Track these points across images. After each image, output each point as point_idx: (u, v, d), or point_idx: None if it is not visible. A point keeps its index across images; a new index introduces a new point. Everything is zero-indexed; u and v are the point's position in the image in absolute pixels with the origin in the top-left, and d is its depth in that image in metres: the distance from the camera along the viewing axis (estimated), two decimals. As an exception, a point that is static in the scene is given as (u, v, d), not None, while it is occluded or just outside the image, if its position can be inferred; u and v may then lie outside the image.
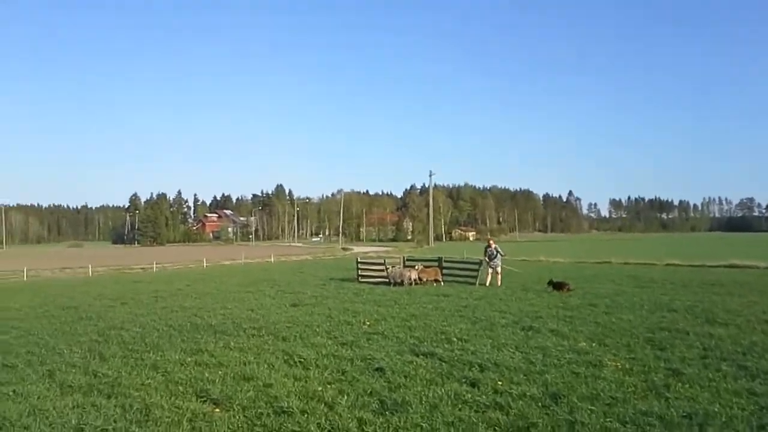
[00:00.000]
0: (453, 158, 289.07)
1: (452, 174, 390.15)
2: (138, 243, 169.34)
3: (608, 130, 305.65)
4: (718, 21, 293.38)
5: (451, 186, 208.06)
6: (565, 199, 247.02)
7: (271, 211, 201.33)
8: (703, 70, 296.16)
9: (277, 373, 8.38)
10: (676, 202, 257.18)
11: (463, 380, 7.77)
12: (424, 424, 6.07)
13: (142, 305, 17.82)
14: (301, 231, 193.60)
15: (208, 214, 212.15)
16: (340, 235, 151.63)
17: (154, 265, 46.76)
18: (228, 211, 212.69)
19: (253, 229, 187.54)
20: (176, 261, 57.80)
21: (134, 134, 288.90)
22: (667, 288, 19.93)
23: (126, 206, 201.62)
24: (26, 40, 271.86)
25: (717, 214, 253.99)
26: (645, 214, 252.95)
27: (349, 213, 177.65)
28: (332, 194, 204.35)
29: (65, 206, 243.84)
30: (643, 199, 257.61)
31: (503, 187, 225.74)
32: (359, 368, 8.57)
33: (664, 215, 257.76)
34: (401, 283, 22.15)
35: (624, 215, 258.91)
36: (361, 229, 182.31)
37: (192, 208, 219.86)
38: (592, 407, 6.52)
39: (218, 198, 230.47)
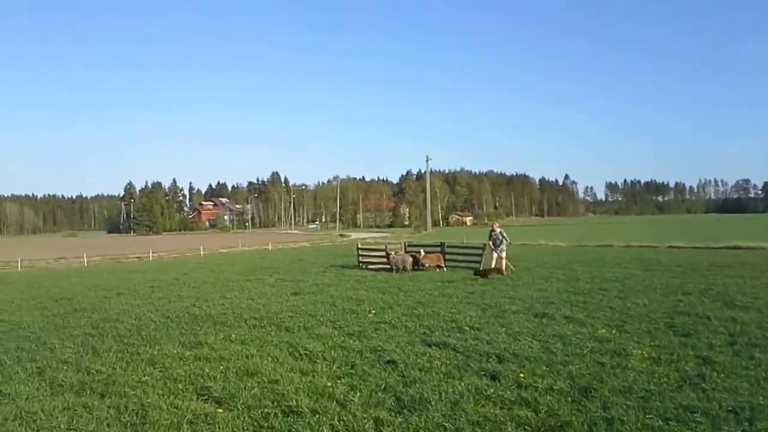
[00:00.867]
0: (449, 143, 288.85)
1: (448, 159, 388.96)
2: (134, 232, 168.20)
3: (604, 113, 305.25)
4: (713, 3, 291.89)
5: (447, 171, 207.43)
6: (561, 183, 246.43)
7: (267, 198, 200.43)
8: (698, 52, 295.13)
9: (282, 367, 7.86)
10: (672, 185, 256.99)
11: (482, 373, 7.27)
12: (447, 424, 5.55)
13: (138, 295, 17.27)
14: (297, 218, 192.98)
15: (204, 203, 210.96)
16: (338, 221, 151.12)
17: (150, 254, 46.13)
18: (224, 199, 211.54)
19: (250, 216, 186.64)
20: (173, 250, 57.20)
21: (128, 123, 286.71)
22: (675, 271, 19.46)
23: (121, 195, 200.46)
24: (17, 29, 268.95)
25: (713, 196, 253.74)
26: (641, 197, 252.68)
27: (346, 199, 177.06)
28: (328, 181, 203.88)
29: (60, 196, 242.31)
30: (639, 181, 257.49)
31: (499, 172, 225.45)
32: (369, 361, 8.06)
33: (660, 197, 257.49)
34: (404, 269, 21.69)
35: (620, 198, 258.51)
36: (357, 216, 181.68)
37: (187, 197, 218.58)
38: (627, 402, 6.02)
39: (213, 186, 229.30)
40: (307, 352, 8.63)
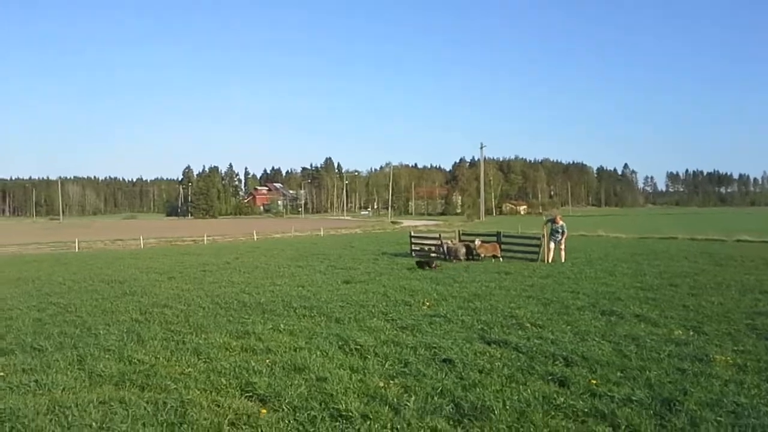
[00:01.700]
0: (503, 131, 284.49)
1: (503, 147, 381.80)
2: (191, 215, 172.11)
3: (666, 102, 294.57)
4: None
5: (501, 159, 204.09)
6: (620, 173, 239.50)
7: (320, 184, 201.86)
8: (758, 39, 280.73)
9: (331, 362, 7.38)
10: (735, 176, 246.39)
11: (549, 378, 6.61)
12: (513, 438, 4.95)
13: (190, 280, 17.18)
14: (349, 204, 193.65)
15: (259, 187, 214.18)
16: (389, 208, 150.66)
17: (205, 238, 46.77)
18: (278, 185, 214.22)
19: (303, 202, 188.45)
20: (227, 233, 57.96)
21: (187, 108, 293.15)
22: (748, 266, 18.17)
23: (179, 179, 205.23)
24: (84, 14, 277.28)
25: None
26: (703, 188, 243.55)
27: (398, 186, 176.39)
28: (380, 167, 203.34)
29: (121, 179, 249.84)
30: (701, 172, 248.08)
31: (555, 160, 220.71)
32: (424, 359, 7.50)
33: (722, 189, 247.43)
34: (457, 258, 21.07)
35: (681, 189, 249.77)
36: (409, 203, 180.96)
37: (243, 182, 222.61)
38: (717, 417, 5.28)
39: (268, 171, 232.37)
40: (358, 347, 8.13)
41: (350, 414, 5.48)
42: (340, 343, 8.42)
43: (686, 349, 7.73)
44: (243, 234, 55.62)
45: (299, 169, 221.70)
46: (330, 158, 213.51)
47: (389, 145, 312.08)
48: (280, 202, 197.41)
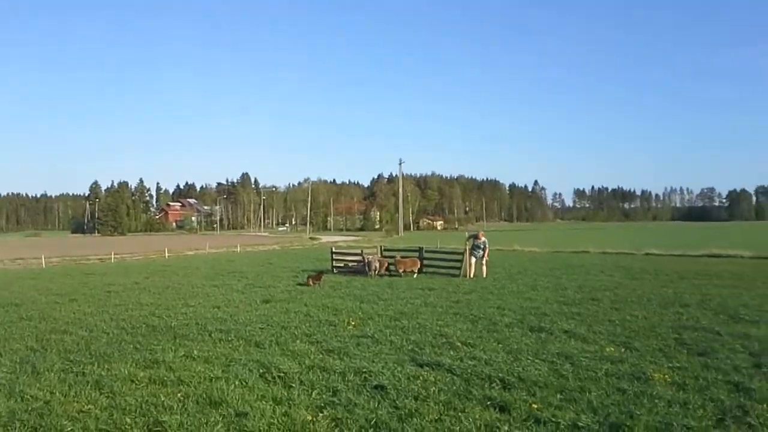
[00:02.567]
0: (420, 148, 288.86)
1: (420, 163, 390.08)
2: (98, 232, 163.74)
3: (574, 121, 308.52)
4: (681, 9, 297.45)
5: (418, 175, 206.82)
6: (530, 189, 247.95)
7: (236, 200, 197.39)
8: (668, 59, 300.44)
9: (251, 393, 6.69)
10: (638, 192, 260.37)
11: (488, 402, 6.21)
12: (459, 478, 4.48)
13: (93, 302, 15.87)
14: (267, 220, 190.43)
15: (171, 203, 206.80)
16: (308, 224, 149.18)
17: (112, 256, 44.23)
18: (192, 200, 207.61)
19: (218, 218, 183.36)
20: (136, 251, 55.18)
21: (94, 121, 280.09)
22: (663, 279, 18.73)
23: (86, 195, 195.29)
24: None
25: (678, 204, 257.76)
26: (608, 204, 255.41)
27: (316, 202, 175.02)
28: (299, 183, 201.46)
29: (24, 195, 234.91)
30: (606, 188, 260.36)
31: (470, 177, 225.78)
32: (354, 386, 6.94)
33: (626, 205, 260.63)
34: (379, 274, 20.71)
35: (587, 205, 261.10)
36: (328, 219, 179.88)
37: (154, 197, 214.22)
38: (669, 443, 5.02)
39: (181, 186, 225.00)
40: (281, 374, 7.47)
41: (275, 456, 4.85)
42: (261, 370, 7.73)
43: (622, 367, 7.55)
44: (154, 252, 53.10)
45: (214, 185, 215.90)
46: (246, 173, 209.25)
47: (307, 161, 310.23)
48: (194, 218, 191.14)
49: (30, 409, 6.33)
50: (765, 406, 5.95)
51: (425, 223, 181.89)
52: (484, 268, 20.61)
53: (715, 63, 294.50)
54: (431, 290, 16.58)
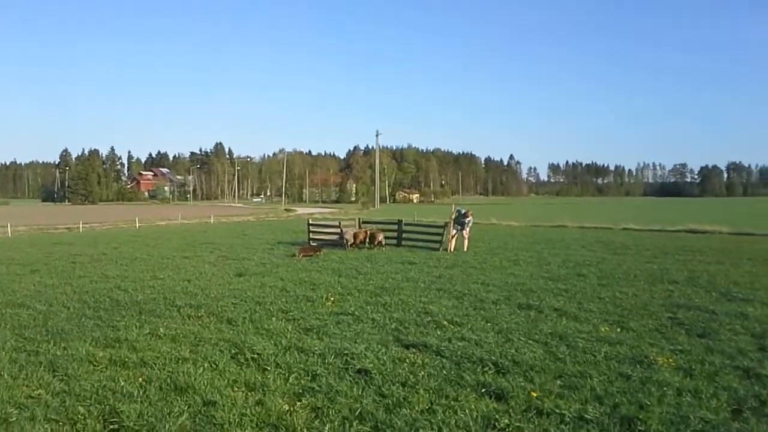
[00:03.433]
0: (397, 120, 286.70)
1: (396, 135, 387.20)
2: (68, 201, 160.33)
3: (549, 95, 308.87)
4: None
5: (395, 148, 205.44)
6: (506, 163, 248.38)
7: (209, 170, 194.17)
8: (642, 36, 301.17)
9: (222, 378, 6.08)
10: (611, 167, 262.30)
11: (482, 389, 5.67)
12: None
13: (56, 273, 15.04)
14: (241, 191, 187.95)
15: (143, 172, 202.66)
16: (283, 196, 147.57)
17: (81, 226, 42.93)
18: (164, 170, 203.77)
19: (191, 188, 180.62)
20: (106, 221, 53.77)
21: (65, 86, 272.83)
22: (646, 255, 18.39)
23: (57, 162, 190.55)
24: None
25: (651, 180, 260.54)
26: (582, 179, 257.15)
27: (292, 174, 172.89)
28: (274, 154, 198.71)
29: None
30: (580, 163, 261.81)
31: (446, 150, 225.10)
32: (335, 369, 6.35)
33: (599, 180, 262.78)
34: (355, 245, 20.13)
35: (562, 179, 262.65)
36: (304, 191, 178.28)
37: (126, 166, 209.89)
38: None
39: (153, 156, 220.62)
40: (255, 356, 6.86)
41: (247, 455, 4.25)
42: (233, 351, 7.11)
43: (621, 349, 7.07)
44: (124, 221, 51.79)
45: (188, 154, 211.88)
46: (220, 143, 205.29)
47: (283, 131, 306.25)
48: (166, 188, 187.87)
49: (-28, 393, 5.66)
50: (783, 394, 5.51)
51: (401, 196, 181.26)
52: (465, 242, 20.11)
53: (689, 37, 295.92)
54: (412, 264, 16.04)
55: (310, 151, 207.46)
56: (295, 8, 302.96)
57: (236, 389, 5.72)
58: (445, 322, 8.59)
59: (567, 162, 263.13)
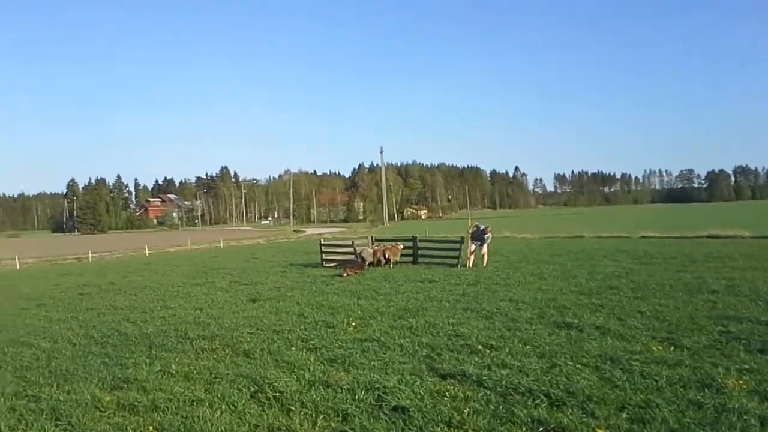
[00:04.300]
0: (400, 136, 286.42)
1: (400, 151, 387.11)
2: (78, 231, 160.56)
3: (551, 105, 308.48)
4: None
5: (399, 164, 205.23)
6: (511, 175, 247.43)
7: (216, 194, 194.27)
8: (644, 42, 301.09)
9: (243, 423, 5.42)
10: (618, 175, 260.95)
11: (540, 428, 4.99)
12: None
13: (63, 306, 14.47)
14: (249, 214, 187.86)
15: (151, 199, 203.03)
16: (291, 217, 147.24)
17: (90, 255, 42.51)
18: (172, 196, 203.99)
19: (199, 213, 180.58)
20: (116, 249, 53.45)
21: (69, 118, 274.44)
22: (675, 263, 17.60)
23: (64, 193, 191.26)
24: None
25: (658, 186, 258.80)
26: (588, 188, 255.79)
27: (298, 194, 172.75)
28: (279, 175, 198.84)
29: (1, 194, 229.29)
30: (586, 173, 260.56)
31: (451, 164, 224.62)
32: (368, 408, 5.68)
33: (606, 188, 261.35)
34: (371, 264, 19.54)
35: (568, 189, 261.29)
36: (311, 211, 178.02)
37: (133, 193, 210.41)
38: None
39: (160, 182, 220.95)
40: (277, 394, 6.20)
41: None
42: (252, 389, 6.46)
43: (683, 372, 6.36)
44: (134, 249, 51.39)
45: (194, 179, 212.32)
46: (226, 167, 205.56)
47: (287, 152, 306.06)
48: (174, 213, 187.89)
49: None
50: None
51: (409, 212, 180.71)
52: (485, 257, 19.39)
53: (691, 40, 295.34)
54: (432, 282, 15.36)
55: (315, 171, 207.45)
56: (295, 27, 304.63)
57: (259, 437, 5.05)
58: (480, 346, 7.89)
59: (573, 172, 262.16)
